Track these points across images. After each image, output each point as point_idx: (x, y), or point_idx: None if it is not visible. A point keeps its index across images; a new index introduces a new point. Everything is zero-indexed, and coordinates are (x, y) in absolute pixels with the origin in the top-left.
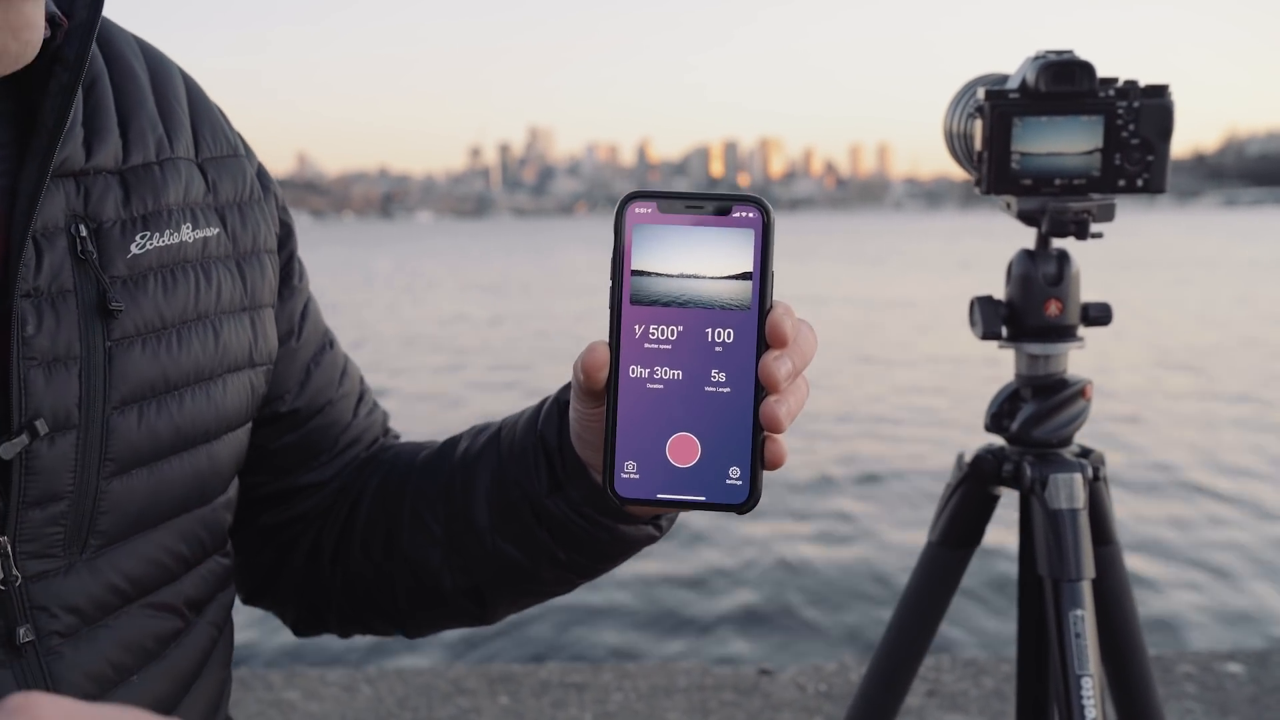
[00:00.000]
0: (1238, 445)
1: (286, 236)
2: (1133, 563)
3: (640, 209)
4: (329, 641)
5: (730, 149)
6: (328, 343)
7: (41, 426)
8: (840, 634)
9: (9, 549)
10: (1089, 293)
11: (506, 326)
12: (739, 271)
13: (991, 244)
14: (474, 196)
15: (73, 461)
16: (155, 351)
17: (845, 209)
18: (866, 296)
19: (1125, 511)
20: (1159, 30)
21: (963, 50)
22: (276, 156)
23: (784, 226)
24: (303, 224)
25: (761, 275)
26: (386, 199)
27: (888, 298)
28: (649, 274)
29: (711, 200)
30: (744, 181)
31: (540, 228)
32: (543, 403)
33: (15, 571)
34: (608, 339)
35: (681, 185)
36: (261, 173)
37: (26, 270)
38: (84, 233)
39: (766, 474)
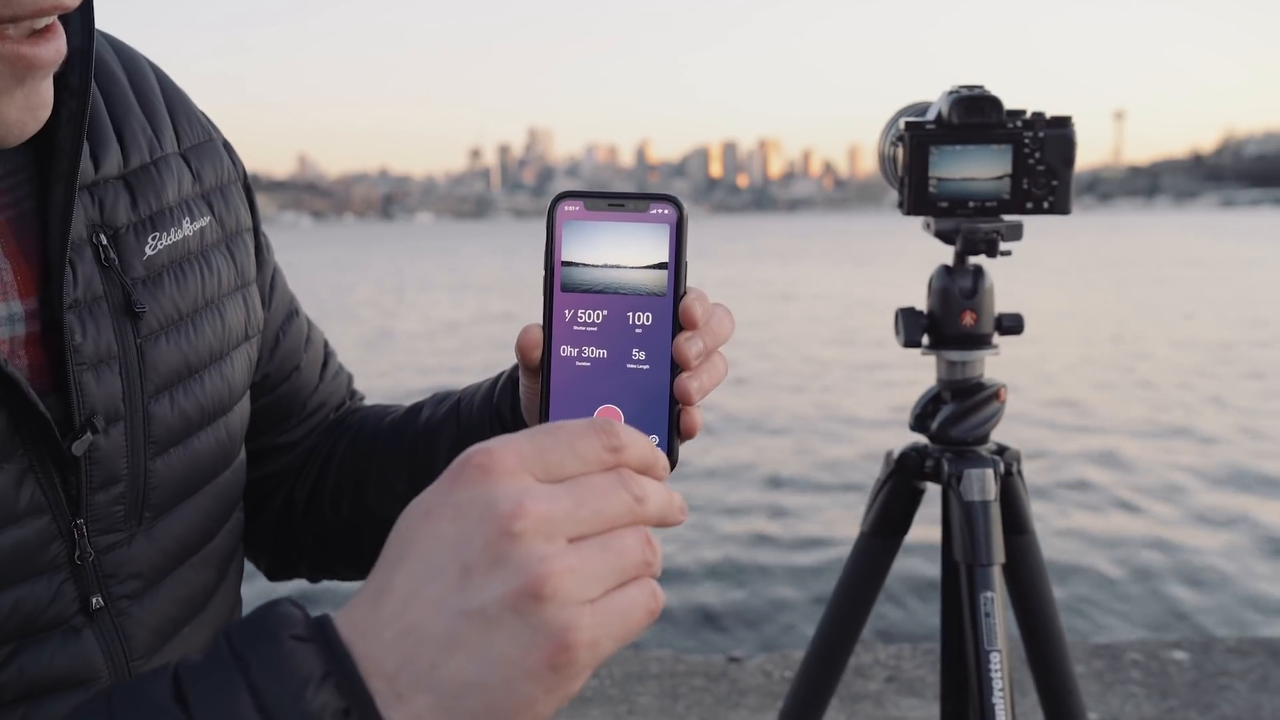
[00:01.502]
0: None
1: (254, 210)
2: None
3: (569, 206)
4: (319, 594)
5: (729, 150)
6: (293, 310)
7: (99, 422)
8: (808, 623)
9: (85, 529)
10: (1020, 297)
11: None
12: (656, 262)
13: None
14: (474, 198)
15: (124, 448)
16: (177, 342)
17: (844, 209)
18: (840, 295)
19: (1122, 515)
20: (1156, 30)
21: (961, 50)
22: (278, 157)
23: (782, 227)
24: (303, 225)
25: (676, 265)
26: (387, 200)
27: (861, 296)
28: (577, 264)
29: (631, 199)
30: (743, 182)
31: (540, 229)
32: (499, 377)
33: (90, 548)
34: (541, 322)
35: (680, 186)
36: (229, 149)
37: (68, 284)
38: (104, 241)
39: (688, 444)
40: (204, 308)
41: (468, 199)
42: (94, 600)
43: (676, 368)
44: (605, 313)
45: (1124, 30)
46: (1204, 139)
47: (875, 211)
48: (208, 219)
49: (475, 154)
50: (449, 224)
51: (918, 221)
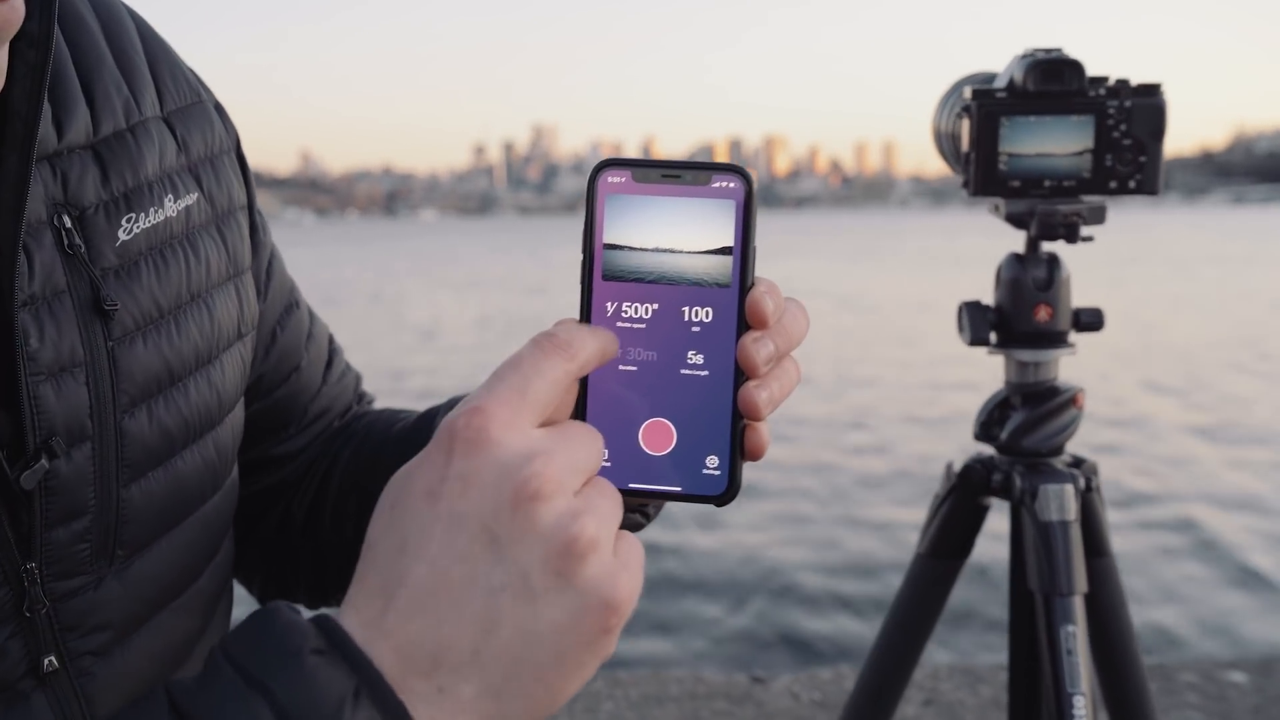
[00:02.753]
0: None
1: (248, 184)
2: (1128, 570)
3: (613, 178)
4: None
5: (735, 147)
6: (293, 301)
7: (60, 444)
8: (836, 640)
9: (37, 574)
10: (1081, 296)
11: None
12: (718, 246)
13: (981, 241)
14: (478, 195)
15: (91, 474)
16: (157, 344)
17: (850, 207)
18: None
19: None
20: (1168, 28)
21: (968, 46)
22: (280, 154)
23: (788, 225)
24: (306, 222)
25: (743, 250)
26: (390, 197)
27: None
28: (622, 248)
29: (689, 169)
30: None
31: (544, 226)
32: None
33: (44, 599)
34: (578, 317)
35: None
36: (221, 112)
37: (21, 277)
38: (68, 223)
39: (750, 464)
40: (189, 302)
41: (472, 196)
42: (46, 661)
43: (741, 375)
44: (656, 307)
45: (1134, 29)
46: (1214, 136)
47: (881, 209)
48: (195, 196)
49: (479, 151)
50: (453, 221)
51: (921, 219)
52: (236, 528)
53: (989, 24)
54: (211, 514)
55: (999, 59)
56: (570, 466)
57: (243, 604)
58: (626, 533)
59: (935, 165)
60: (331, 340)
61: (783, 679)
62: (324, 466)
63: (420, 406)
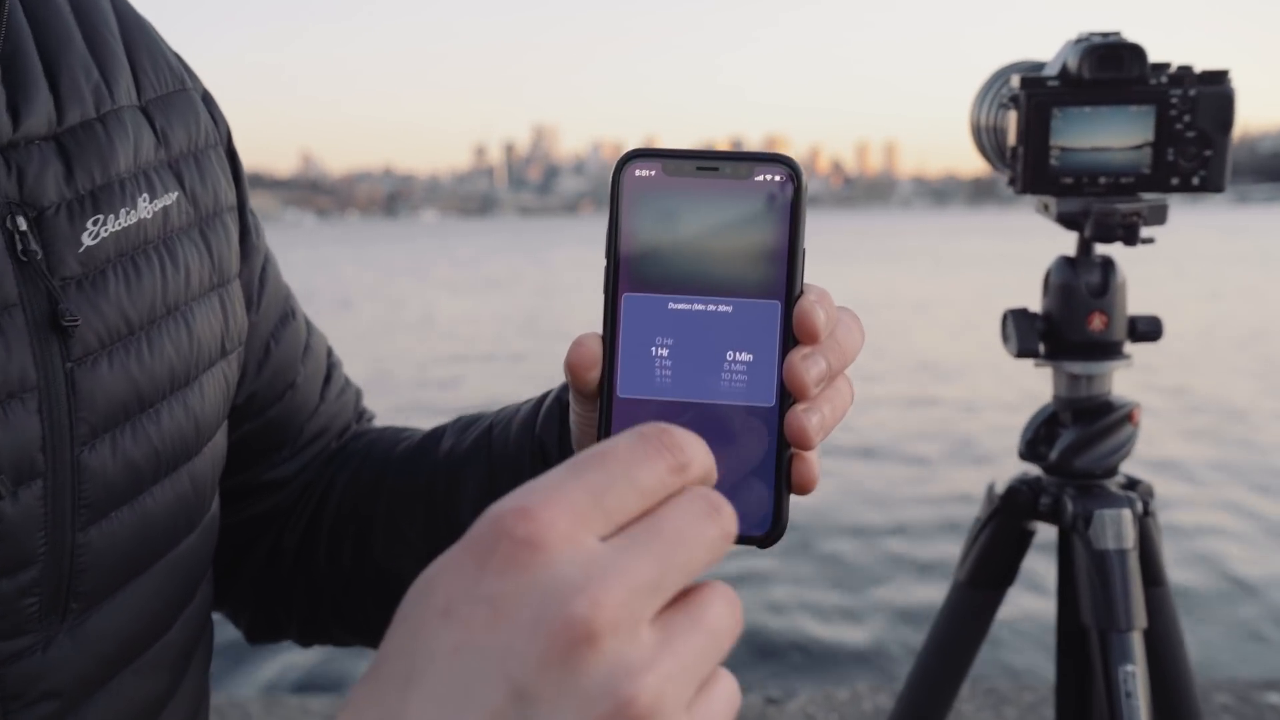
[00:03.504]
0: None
1: (239, 183)
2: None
3: (642, 171)
4: (311, 667)
5: (736, 147)
6: (289, 311)
7: (4, 484)
8: (852, 659)
9: None
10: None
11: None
12: (762, 249)
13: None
14: (479, 195)
15: (42, 516)
16: (124, 364)
17: (852, 207)
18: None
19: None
20: (1169, 26)
21: (970, 46)
22: (280, 155)
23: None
24: (307, 223)
25: (790, 254)
26: (391, 198)
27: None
28: (651, 253)
29: (730, 160)
30: None
31: (545, 226)
32: (541, 400)
33: None
34: (601, 331)
35: None
36: (209, 102)
37: None
38: (23, 225)
39: (794, 499)
40: (164, 316)
41: (472, 197)
42: None
43: (788, 397)
44: (691, 321)
45: (1132, 29)
46: None
47: (883, 210)
48: (175, 195)
49: (480, 151)
50: (454, 222)
51: (923, 219)
52: (222, 560)
53: (990, 24)
54: (185, 556)
55: (1000, 58)
56: (646, 587)
57: (226, 645)
58: (722, 673)
59: (937, 165)
60: (330, 353)
61: (798, 699)
62: (319, 491)
63: (442, 419)
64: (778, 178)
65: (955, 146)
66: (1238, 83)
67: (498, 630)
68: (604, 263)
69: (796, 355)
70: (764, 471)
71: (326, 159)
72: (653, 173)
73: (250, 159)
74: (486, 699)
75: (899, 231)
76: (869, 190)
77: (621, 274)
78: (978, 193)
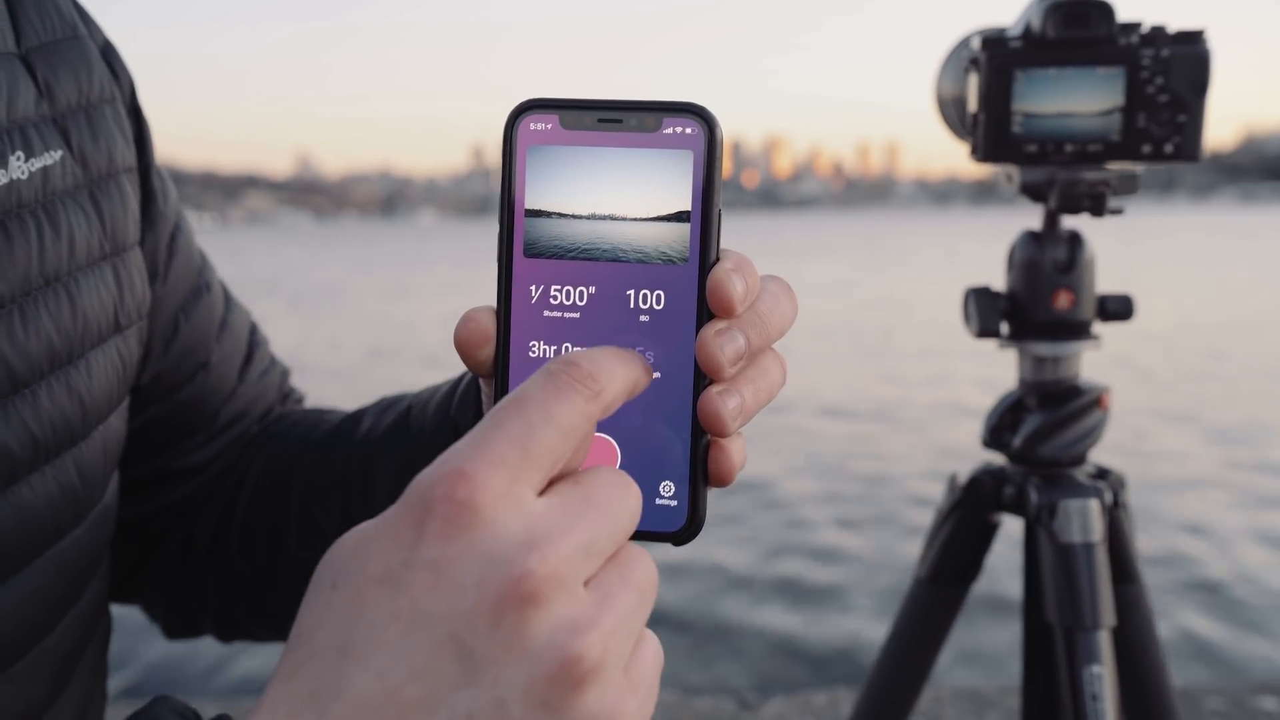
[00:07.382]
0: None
1: (143, 140)
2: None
3: (537, 124)
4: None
5: (736, 148)
6: (203, 284)
7: None
8: (831, 661)
9: None
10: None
11: None
12: (672, 210)
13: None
14: (477, 197)
15: None
16: None
17: (852, 208)
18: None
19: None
20: (1170, 28)
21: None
22: (276, 156)
23: (791, 227)
24: (305, 225)
25: (703, 215)
26: (389, 199)
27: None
28: (549, 214)
29: (634, 110)
30: (750, 181)
31: None
32: (459, 380)
33: None
34: (495, 304)
35: None
36: (109, 52)
37: None
38: None
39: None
40: (42, 288)
41: (470, 198)
42: None
43: (703, 377)
44: (593, 290)
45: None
46: (1224, 137)
47: (883, 210)
48: (59, 153)
49: (477, 153)
50: (452, 224)
51: (923, 220)
52: (130, 553)
53: (993, 24)
54: (70, 551)
55: None
56: (582, 549)
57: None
58: (648, 634)
59: (937, 166)
60: (254, 331)
61: (773, 704)
62: (235, 477)
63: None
64: (689, 130)
65: (956, 148)
66: (1238, 72)
67: (442, 594)
68: (496, 228)
69: (709, 330)
70: (676, 462)
71: (323, 160)
72: (549, 126)
73: (247, 160)
74: (432, 664)
75: (898, 231)
76: (870, 191)
77: (515, 239)
78: (979, 194)
